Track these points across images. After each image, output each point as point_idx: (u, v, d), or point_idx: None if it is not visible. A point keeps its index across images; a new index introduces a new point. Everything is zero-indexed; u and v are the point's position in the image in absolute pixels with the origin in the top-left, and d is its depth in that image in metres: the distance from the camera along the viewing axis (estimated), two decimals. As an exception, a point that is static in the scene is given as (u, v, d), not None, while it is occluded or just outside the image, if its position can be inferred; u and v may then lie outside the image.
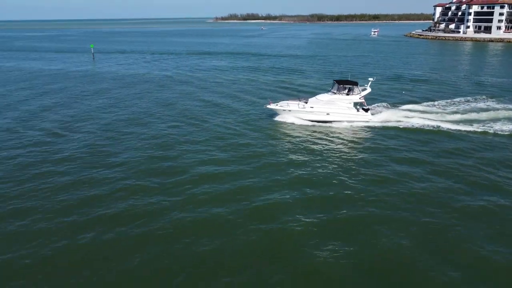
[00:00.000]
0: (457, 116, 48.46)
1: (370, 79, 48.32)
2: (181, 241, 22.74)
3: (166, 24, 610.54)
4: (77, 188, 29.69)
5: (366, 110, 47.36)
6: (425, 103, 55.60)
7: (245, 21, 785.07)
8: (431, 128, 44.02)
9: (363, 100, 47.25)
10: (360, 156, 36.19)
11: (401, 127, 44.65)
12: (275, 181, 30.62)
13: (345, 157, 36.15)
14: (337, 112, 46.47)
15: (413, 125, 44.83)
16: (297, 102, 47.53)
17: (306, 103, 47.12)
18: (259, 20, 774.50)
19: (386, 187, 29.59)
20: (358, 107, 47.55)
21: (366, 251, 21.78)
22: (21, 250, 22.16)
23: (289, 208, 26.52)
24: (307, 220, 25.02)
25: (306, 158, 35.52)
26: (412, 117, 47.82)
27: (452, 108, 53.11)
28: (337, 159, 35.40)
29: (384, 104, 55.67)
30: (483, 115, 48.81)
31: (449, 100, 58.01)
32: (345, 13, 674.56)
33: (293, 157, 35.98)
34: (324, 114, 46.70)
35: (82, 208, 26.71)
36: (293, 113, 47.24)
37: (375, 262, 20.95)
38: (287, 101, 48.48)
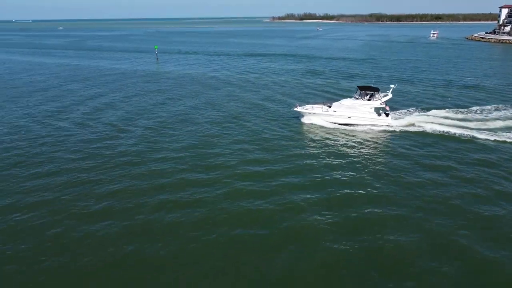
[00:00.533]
0: (483, 124, 49.85)
1: (392, 86, 51.92)
2: (228, 227, 28.20)
3: (223, 24, 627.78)
4: (132, 178, 36.36)
5: (387, 115, 50.67)
6: (456, 110, 57.38)
7: (302, 21, 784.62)
8: (447, 133, 46.47)
9: (385, 105, 50.63)
10: (375, 159, 39.78)
11: (419, 131, 47.67)
12: (298, 179, 35.36)
13: (360, 158, 40.07)
14: (358, 116, 50.16)
15: (433, 131, 47.37)
16: (321, 105, 52.16)
17: (330, 107, 51.55)
18: (316, 20, 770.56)
19: (396, 187, 33.28)
20: (381, 111, 51.08)
21: (374, 245, 26.04)
22: (112, 220, 28.92)
23: (313, 205, 31.18)
24: (328, 214, 29.61)
25: (324, 159, 39.72)
26: (435, 123, 50.24)
27: (481, 116, 54.27)
28: (353, 161, 39.42)
29: (413, 108, 58.41)
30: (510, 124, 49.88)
31: (485, 107, 59.05)
32: (406, 12, 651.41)
33: (312, 157, 40.46)
34: (346, 118, 50.63)
35: (144, 195, 33.22)
36: (317, 116, 51.63)
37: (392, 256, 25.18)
38: (312, 105, 53.21)
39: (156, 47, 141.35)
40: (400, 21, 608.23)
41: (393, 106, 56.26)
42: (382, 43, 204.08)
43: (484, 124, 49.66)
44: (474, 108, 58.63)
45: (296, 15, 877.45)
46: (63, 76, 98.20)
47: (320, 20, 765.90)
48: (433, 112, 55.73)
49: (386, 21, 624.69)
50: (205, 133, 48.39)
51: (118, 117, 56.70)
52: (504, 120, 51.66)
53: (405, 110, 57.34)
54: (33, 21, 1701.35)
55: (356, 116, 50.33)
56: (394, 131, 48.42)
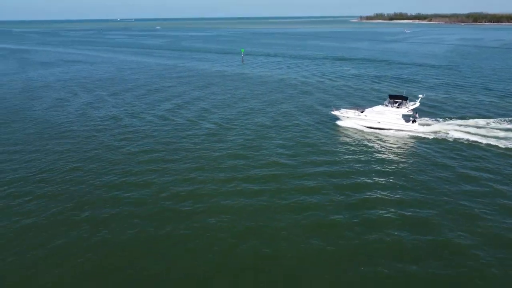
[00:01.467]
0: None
1: (420, 95, 58.02)
2: (292, 211, 36.66)
3: (308, 24, 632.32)
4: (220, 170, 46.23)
5: (414, 121, 55.90)
6: (494, 119, 60.23)
7: (391, 21, 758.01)
8: (471, 142, 50.37)
9: (412, 113, 56.08)
10: (397, 159, 45.56)
11: (440, 138, 52.39)
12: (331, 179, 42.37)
13: (384, 156, 46.68)
14: (386, 121, 56.43)
15: (455, 138, 51.70)
16: (354, 110, 59.14)
17: (362, 112, 58.45)
18: (407, 21, 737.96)
19: (411, 183, 38.70)
20: (411, 118, 56.47)
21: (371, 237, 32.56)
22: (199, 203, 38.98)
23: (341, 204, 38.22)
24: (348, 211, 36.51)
25: (351, 155, 46.71)
26: (462, 131, 54.06)
27: None
28: (377, 158, 46.22)
29: (452, 116, 62.49)
30: None
31: None
32: (510, 11, 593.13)
33: (339, 154, 46.90)
34: (376, 122, 57.12)
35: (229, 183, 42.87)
36: (350, 119, 58.68)
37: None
38: (347, 109, 60.75)
39: (242, 50, 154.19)
40: (501, 22, 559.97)
41: (435, 112, 60.44)
42: (472, 48, 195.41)
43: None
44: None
45: (385, 15, 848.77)
46: (160, 75, 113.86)
47: (411, 21, 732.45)
48: (471, 121, 59.14)
49: (485, 22, 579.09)
50: (261, 129, 57.33)
51: (196, 114, 67.92)
52: None
53: (442, 119, 61.43)
54: (136, 20, 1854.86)
55: (384, 121, 56.64)
56: (419, 137, 53.84)
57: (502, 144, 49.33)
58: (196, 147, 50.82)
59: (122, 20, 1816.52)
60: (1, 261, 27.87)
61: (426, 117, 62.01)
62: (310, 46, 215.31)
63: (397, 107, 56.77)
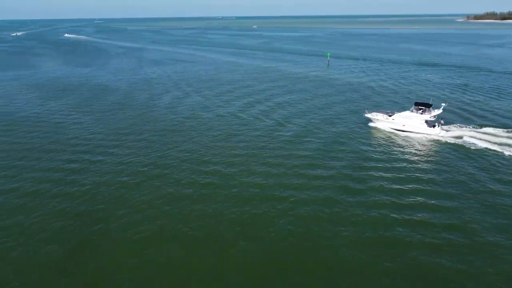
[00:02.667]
0: None
1: (443, 104, 65.71)
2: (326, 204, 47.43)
3: (406, 24, 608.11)
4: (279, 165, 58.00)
5: (434, 126, 63.57)
6: None
7: (503, 21, 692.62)
8: (487, 150, 55.85)
9: (436, 118, 63.68)
10: (415, 159, 52.36)
11: (458, 143, 58.76)
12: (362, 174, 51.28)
13: (405, 156, 54.36)
14: (410, 125, 64.89)
15: (475, 145, 57.62)
16: (383, 114, 68.29)
17: (391, 115, 67.23)
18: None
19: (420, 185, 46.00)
20: (436, 123, 63.82)
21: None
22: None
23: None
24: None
25: (374, 155, 54.67)
26: (482, 139, 59.38)
27: None
28: (397, 158, 54.09)
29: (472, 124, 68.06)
30: None
31: None
32: None
33: (365, 153, 54.94)
34: (401, 125, 65.93)
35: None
36: (380, 121, 68.04)
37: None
38: (377, 112, 69.57)
39: (328, 54, 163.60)
40: None
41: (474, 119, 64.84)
42: None
43: None
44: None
45: (498, 14, 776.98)
46: (252, 77, 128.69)
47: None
48: (493, 130, 64.18)
49: None
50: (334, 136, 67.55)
51: (282, 115, 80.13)
52: None
53: (471, 125, 67.49)
54: (236, 18, 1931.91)
55: (409, 125, 65.11)
56: (439, 140, 61.08)
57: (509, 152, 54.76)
58: (276, 149, 63.34)
59: (223, 18, 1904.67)
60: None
61: (459, 123, 68.66)
62: (400, 49, 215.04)
63: (421, 113, 64.88)
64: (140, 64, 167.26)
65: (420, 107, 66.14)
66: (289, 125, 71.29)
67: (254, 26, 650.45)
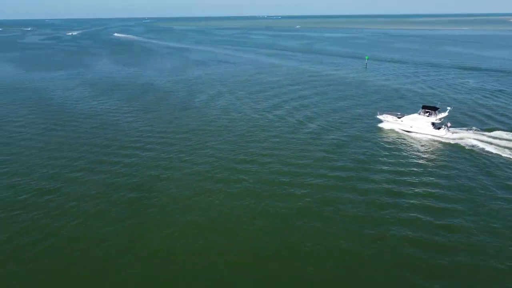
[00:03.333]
0: None
1: (448, 108, 70.12)
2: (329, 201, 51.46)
3: (456, 25, 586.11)
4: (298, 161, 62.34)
5: (439, 128, 67.95)
6: None
7: None
8: (482, 151, 59.49)
9: (442, 121, 68.43)
10: (411, 156, 55.24)
11: (459, 145, 62.96)
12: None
13: (408, 153, 57.81)
14: (417, 126, 69.64)
15: (475, 147, 61.56)
16: (393, 116, 73.38)
17: (399, 117, 72.14)
18: None
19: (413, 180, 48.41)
20: (443, 126, 67.88)
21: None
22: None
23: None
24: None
25: (380, 147, 57.02)
26: (480, 140, 63.39)
27: None
28: (401, 155, 58.61)
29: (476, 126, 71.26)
30: None
31: None
32: None
33: (373, 151, 57.57)
34: (409, 127, 70.74)
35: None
36: (389, 122, 73.14)
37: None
38: (387, 114, 74.73)
39: (366, 57, 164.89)
40: None
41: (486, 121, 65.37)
42: None
43: None
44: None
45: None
46: (289, 78, 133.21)
47: None
48: (496, 133, 67.12)
49: None
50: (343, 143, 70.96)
51: (309, 115, 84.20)
52: None
53: (477, 128, 70.73)
54: (282, 17, 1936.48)
55: (416, 127, 69.88)
56: (442, 141, 65.40)
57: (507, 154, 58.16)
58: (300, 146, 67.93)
59: (269, 17, 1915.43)
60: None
61: (471, 126, 72.29)
62: (443, 52, 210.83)
63: (427, 116, 68.62)
64: (183, 64, 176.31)
65: (427, 110, 70.67)
66: (312, 124, 76.60)
67: (298, 26, 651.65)
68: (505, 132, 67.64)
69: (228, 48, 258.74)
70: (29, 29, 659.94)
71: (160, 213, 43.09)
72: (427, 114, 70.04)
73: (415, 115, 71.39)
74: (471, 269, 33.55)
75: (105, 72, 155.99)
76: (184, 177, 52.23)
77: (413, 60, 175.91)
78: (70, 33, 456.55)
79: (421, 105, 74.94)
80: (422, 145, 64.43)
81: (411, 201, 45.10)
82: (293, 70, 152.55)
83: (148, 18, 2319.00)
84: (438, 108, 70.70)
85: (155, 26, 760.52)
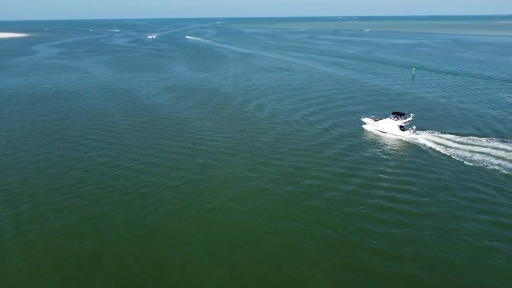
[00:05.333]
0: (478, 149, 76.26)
1: (412, 114, 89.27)
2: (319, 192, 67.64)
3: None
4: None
5: (403, 130, 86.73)
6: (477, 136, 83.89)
7: None
8: (432, 150, 77.01)
9: (408, 124, 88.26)
10: (379, 149, 69.38)
11: (415, 143, 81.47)
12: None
13: (375, 147, 71.61)
14: (388, 128, 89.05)
15: (424, 145, 79.73)
16: (372, 119, 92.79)
17: (376, 121, 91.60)
18: None
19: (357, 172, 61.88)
20: (409, 128, 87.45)
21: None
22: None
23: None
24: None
25: (354, 142, 71.13)
26: (432, 140, 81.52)
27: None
28: (368, 148, 72.28)
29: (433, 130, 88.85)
30: None
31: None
32: None
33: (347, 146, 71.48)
34: (382, 128, 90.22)
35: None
36: (369, 125, 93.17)
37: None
38: (368, 118, 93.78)
39: (414, 69, 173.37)
40: None
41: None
42: None
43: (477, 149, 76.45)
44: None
45: None
46: (338, 87, 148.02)
47: None
48: (450, 136, 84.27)
49: None
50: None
51: (334, 122, 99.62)
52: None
53: (437, 131, 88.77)
54: (358, 18, 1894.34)
55: (387, 128, 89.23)
56: (402, 141, 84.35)
57: (448, 152, 75.16)
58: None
59: (343, 18, 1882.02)
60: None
61: (436, 130, 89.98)
62: (507, 63, 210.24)
63: (396, 120, 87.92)
64: (246, 70, 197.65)
65: (395, 115, 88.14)
66: (333, 131, 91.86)
67: (367, 30, 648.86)
68: (465, 137, 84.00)
69: (291, 54, 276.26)
70: (117, 31, 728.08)
71: (213, 183, 62.93)
72: (396, 118, 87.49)
73: (387, 119, 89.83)
74: (404, 236, 48.86)
75: (178, 76, 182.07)
76: (228, 164, 71.88)
77: (469, 72, 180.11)
78: (151, 37, 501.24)
79: (392, 112, 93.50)
80: (386, 142, 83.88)
81: (361, 174, 61.01)
82: (343, 79, 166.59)
83: (223, 19, 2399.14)
84: (405, 114, 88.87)
85: (226, 28, 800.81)
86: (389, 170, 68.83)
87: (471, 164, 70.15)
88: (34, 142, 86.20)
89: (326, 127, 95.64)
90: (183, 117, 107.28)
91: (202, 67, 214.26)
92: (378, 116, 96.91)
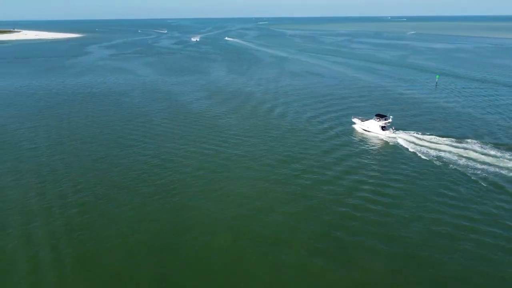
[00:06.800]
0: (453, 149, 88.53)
1: (391, 116, 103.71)
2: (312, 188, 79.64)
3: None
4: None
5: (383, 129, 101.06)
6: (456, 139, 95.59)
7: None
8: (404, 148, 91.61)
9: (389, 125, 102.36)
10: (361, 146, 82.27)
11: (393, 143, 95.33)
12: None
13: (358, 145, 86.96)
14: (371, 127, 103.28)
15: (400, 144, 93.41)
16: (359, 119, 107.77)
17: (363, 121, 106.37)
18: None
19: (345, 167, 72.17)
20: (391, 128, 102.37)
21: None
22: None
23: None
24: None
25: (342, 139, 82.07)
26: (408, 141, 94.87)
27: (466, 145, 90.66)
28: (354, 144, 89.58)
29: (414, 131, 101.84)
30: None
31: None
32: None
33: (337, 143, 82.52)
34: (366, 127, 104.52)
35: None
36: (357, 124, 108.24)
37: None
38: (356, 118, 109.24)
39: (437, 76, 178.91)
40: None
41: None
42: None
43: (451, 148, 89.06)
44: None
45: None
46: (359, 94, 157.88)
47: None
48: (431, 137, 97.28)
49: None
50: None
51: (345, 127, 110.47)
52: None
53: (414, 131, 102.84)
54: (408, 19, 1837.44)
55: (371, 127, 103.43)
56: (382, 139, 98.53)
57: (423, 155, 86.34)
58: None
59: (393, 19, 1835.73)
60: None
61: (415, 130, 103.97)
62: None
63: (378, 121, 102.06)
64: (279, 75, 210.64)
65: (378, 117, 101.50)
66: (345, 137, 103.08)
67: (412, 32, 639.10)
68: (440, 138, 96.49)
69: (324, 58, 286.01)
70: (165, 32, 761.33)
71: (237, 170, 77.18)
72: (378, 119, 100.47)
73: (371, 120, 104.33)
74: (386, 220, 60.52)
75: (215, 79, 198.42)
76: (246, 154, 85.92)
77: (499, 81, 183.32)
78: (194, 39, 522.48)
79: (375, 114, 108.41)
80: (369, 140, 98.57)
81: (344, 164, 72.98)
82: (368, 85, 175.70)
83: (266, 19, 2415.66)
84: (386, 116, 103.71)
85: (268, 30, 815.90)
86: (366, 161, 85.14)
87: (427, 158, 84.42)
88: (90, 133, 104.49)
89: (332, 133, 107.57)
90: (212, 115, 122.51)
91: (238, 70, 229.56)
92: (365, 117, 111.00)
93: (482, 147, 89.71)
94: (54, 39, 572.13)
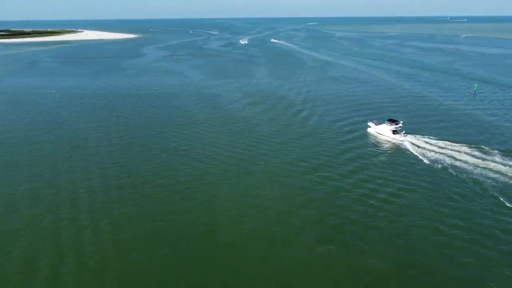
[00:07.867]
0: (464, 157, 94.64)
1: (401, 121, 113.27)
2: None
3: None
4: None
5: (394, 133, 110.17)
6: (467, 145, 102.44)
7: None
8: (410, 151, 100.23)
9: (399, 129, 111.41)
10: (373, 148, 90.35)
11: (402, 146, 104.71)
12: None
13: (368, 147, 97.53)
14: (383, 131, 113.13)
15: (407, 148, 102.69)
16: (374, 123, 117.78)
17: (377, 125, 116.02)
18: None
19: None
20: (402, 132, 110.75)
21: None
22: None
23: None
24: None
25: (356, 142, 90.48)
26: (416, 145, 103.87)
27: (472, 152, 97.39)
28: (367, 145, 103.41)
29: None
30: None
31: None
32: None
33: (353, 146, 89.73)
34: (380, 131, 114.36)
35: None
36: (371, 128, 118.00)
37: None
38: (371, 122, 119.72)
39: (476, 85, 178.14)
40: None
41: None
42: None
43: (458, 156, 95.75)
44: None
45: None
46: (392, 100, 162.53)
47: None
48: (438, 142, 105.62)
49: None
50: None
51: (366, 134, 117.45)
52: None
53: (421, 136, 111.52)
54: (468, 19, 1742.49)
55: (383, 131, 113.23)
56: (394, 142, 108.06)
57: (427, 160, 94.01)
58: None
59: (451, 19, 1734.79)
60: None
61: (428, 135, 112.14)
62: None
63: (389, 125, 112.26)
64: (318, 79, 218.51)
65: (390, 121, 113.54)
66: (360, 141, 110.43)
67: (466, 35, 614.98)
68: (448, 142, 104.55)
69: (367, 63, 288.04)
70: (216, 33, 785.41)
71: (264, 165, 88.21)
72: (390, 124, 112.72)
73: (384, 124, 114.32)
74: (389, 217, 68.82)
75: (258, 82, 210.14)
76: (269, 151, 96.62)
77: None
78: (243, 42, 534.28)
79: (387, 118, 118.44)
80: (381, 143, 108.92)
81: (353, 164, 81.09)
82: (404, 91, 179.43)
83: (317, 19, 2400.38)
84: (397, 121, 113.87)
85: (317, 31, 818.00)
86: (375, 161, 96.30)
87: (428, 162, 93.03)
88: (140, 134, 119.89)
89: (350, 137, 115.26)
90: (248, 116, 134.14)
91: (281, 74, 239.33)
92: (378, 121, 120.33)
93: (503, 159, 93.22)
94: (113, 39, 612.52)
